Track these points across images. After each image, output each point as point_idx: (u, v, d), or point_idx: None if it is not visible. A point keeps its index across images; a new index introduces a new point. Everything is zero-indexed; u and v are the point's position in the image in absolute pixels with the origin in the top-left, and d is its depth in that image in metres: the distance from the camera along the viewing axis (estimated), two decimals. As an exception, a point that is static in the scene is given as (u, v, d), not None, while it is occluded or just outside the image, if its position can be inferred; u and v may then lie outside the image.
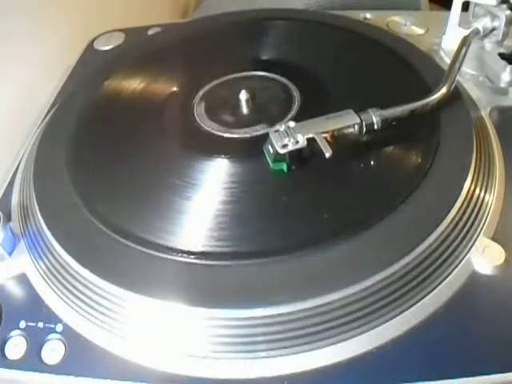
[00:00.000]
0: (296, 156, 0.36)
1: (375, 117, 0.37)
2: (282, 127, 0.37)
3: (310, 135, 0.36)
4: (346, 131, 0.37)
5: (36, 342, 0.32)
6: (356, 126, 0.37)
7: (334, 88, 0.43)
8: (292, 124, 0.37)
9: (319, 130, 0.36)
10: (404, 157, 0.38)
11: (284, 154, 0.36)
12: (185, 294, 0.32)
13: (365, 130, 0.37)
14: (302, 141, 0.36)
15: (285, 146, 0.36)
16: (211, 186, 0.37)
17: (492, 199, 0.36)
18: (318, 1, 0.64)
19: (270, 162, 0.37)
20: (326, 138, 0.36)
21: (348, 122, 0.37)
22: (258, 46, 0.51)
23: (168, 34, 0.56)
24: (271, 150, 0.37)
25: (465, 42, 0.42)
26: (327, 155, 0.35)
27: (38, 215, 0.37)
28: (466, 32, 0.44)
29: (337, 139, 0.36)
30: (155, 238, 0.34)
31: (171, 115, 0.44)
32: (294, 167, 0.37)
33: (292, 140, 0.36)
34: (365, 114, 0.37)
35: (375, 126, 0.37)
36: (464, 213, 0.34)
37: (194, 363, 0.30)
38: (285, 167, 0.37)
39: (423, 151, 0.37)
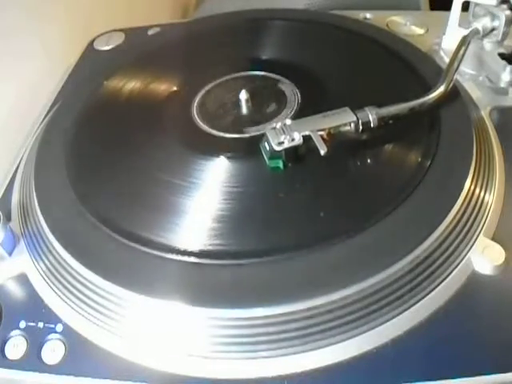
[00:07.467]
0: (292, 153, 0.36)
1: (371, 115, 0.37)
2: (278, 125, 0.37)
3: (306, 133, 0.36)
4: (342, 129, 0.37)
5: (36, 342, 0.32)
6: (352, 124, 0.37)
7: (333, 88, 0.43)
8: (288, 121, 0.37)
9: (315, 128, 0.36)
10: (403, 156, 0.38)
11: (280, 152, 0.36)
12: (185, 293, 0.31)
13: (361, 128, 0.37)
14: (297, 138, 0.36)
15: (281, 143, 0.36)
16: (211, 185, 0.37)
17: (492, 199, 0.36)
18: (318, 1, 0.63)
19: (266, 159, 0.37)
20: (322, 136, 0.36)
21: (344, 119, 0.37)
22: (258, 45, 0.51)
23: (168, 34, 0.56)
24: (267, 148, 0.37)
25: (464, 42, 0.42)
26: (322, 153, 0.35)
27: (38, 215, 0.37)
28: (466, 32, 0.44)
29: (334, 137, 0.36)
30: (155, 238, 0.34)
31: (171, 115, 0.44)
32: (290, 164, 0.37)
33: (288, 137, 0.36)
34: (361, 112, 0.37)
35: (372, 124, 0.37)
36: (464, 213, 0.34)
37: (194, 363, 0.30)
38: (281, 164, 0.37)
39: (423, 151, 0.37)
